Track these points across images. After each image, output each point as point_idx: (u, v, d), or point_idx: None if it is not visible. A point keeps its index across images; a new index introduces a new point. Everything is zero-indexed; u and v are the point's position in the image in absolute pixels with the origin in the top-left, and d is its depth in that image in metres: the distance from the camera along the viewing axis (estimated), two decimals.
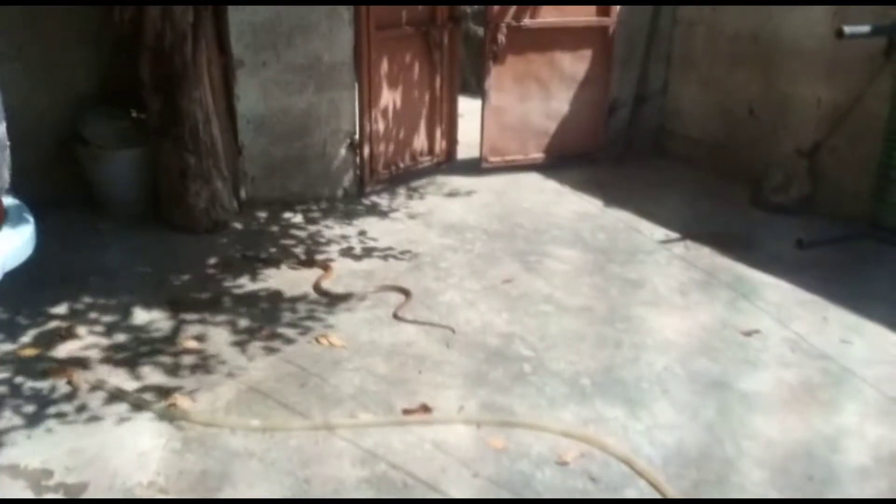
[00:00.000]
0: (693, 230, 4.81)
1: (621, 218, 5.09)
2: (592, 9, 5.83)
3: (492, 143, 5.87)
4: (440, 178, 5.77)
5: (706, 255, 4.51)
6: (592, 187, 5.57)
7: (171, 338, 3.51)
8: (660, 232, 4.85)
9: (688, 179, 5.80)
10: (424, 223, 4.95)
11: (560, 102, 6.00)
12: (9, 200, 1.90)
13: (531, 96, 5.91)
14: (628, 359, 3.44)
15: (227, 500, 2.56)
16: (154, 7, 4.32)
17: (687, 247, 4.62)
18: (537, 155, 6.04)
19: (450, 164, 6.00)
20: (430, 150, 5.93)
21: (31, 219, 1.88)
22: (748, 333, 3.66)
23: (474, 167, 5.87)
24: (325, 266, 4.18)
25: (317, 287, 3.97)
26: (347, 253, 4.44)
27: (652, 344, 3.56)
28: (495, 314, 3.80)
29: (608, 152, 6.14)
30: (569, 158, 6.03)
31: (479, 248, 4.57)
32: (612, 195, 5.41)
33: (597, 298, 3.99)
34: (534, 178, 5.84)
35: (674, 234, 4.80)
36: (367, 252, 4.46)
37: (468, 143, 6.01)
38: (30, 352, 3.33)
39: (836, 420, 3.05)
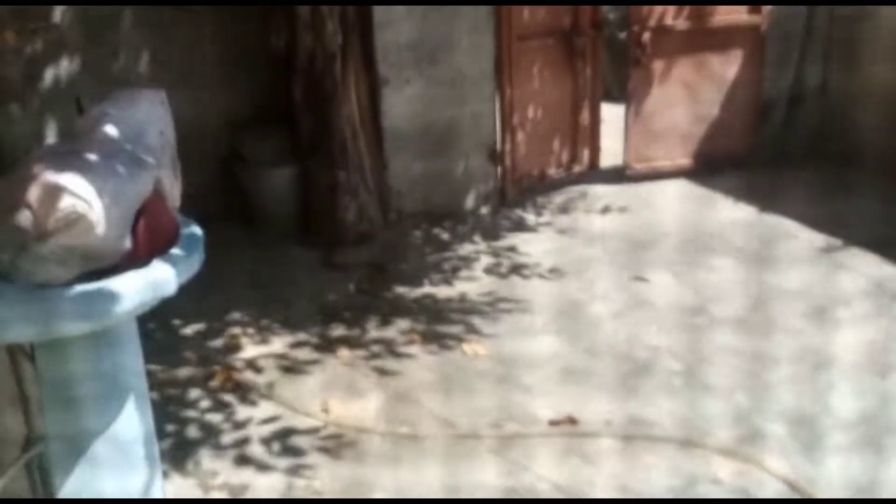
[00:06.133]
0: (858, 237, 4.51)
1: (778, 225, 4.86)
2: (742, 7, 5.61)
3: (636, 149, 5.76)
4: (583, 188, 5.72)
5: (873, 264, 4.22)
6: (745, 193, 5.35)
7: (325, 346, 3.68)
8: (820, 239, 4.58)
9: (850, 183, 5.45)
10: (568, 234, 4.93)
11: (709, 105, 5.81)
12: (181, 218, 2.05)
13: (677, 100, 5.76)
14: (788, 375, 3.28)
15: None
16: (306, 31, 4.55)
17: (852, 255, 4.35)
18: (685, 161, 5.87)
19: (593, 172, 5.94)
20: (573, 160, 5.90)
21: (200, 234, 2.02)
22: None
23: (618, 175, 5.79)
24: None
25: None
26: (493, 269, 4.47)
27: (814, 359, 3.37)
28: (643, 326, 3.72)
29: (762, 156, 5.88)
30: (719, 163, 5.82)
31: (624, 259, 4.50)
32: (768, 201, 5.17)
33: (752, 310, 3.82)
34: (682, 185, 5.68)
35: (836, 242, 4.52)
36: (511, 265, 4.48)
37: (612, 150, 5.94)
38: (205, 359, 3.59)
39: None
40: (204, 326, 3.87)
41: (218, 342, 3.73)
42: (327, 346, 3.68)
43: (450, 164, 5.21)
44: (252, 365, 3.52)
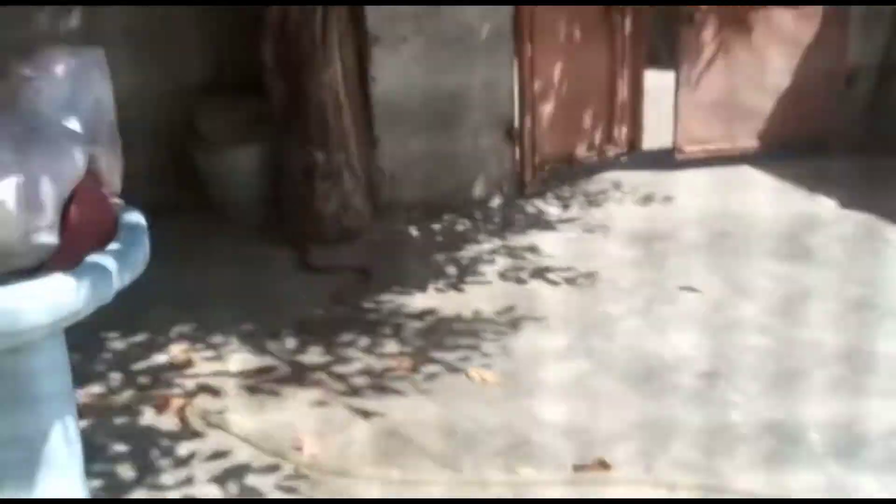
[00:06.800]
0: None
1: (863, 224, 4.86)
2: None
3: (688, 128, 5.77)
4: (621, 175, 5.74)
5: None
6: (824, 184, 5.35)
7: (299, 368, 3.68)
8: None
9: None
10: (601, 233, 4.95)
11: (779, 74, 5.81)
12: (121, 207, 2.06)
13: (740, 67, 5.76)
14: (874, 410, 3.27)
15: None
16: None
17: None
18: (749, 142, 5.88)
19: (634, 156, 5.97)
20: (609, 140, 5.92)
21: (144, 227, 2.02)
22: None
23: (665, 160, 5.80)
24: None
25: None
26: (506, 275, 4.48)
27: None
28: (693, 347, 3.72)
29: (845, 138, 5.88)
30: (791, 146, 5.82)
31: (672, 264, 4.51)
32: (851, 194, 5.16)
33: (830, 330, 3.81)
34: (744, 173, 5.69)
35: None
36: (528, 271, 4.49)
37: (657, 129, 5.95)
38: (142, 381, 3.60)
39: None
40: (147, 339, 3.89)
41: (162, 359, 3.75)
42: (300, 367, 3.68)
43: (455, 144, 5.22)
44: (205, 388, 3.52)
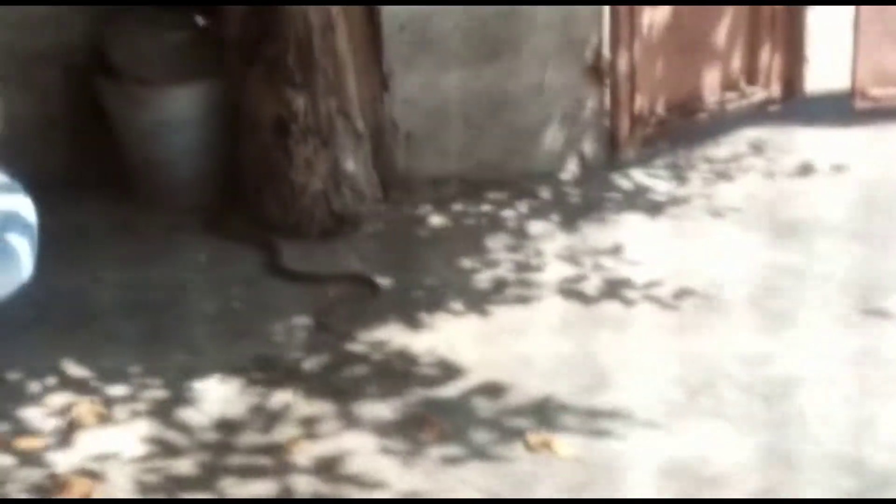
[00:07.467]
0: None
1: None
2: None
3: (875, 63, 5.83)
4: (768, 133, 5.79)
5: None
6: None
7: (263, 434, 3.61)
8: None
9: None
10: (737, 221, 4.97)
11: None
12: None
13: None
14: None
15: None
16: None
17: None
18: None
19: (791, 103, 6.03)
20: (751, 80, 6.02)
21: (29, 211, 2.13)
22: None
23: (839, 110, 5.90)
24: None
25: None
26: (572, 291, 4.43)
27: None
28: (881, 404, 3.65)
29: None
30: None
31: (845, 270, 4.47)
32: None
33: None
34: None
35: None
36: (618, 284, 4.45)
37: (827, 63, 6.06)
38: (26, 444, 3.51)
39: None
40: (17, 382, 3.85)
41: (34, 414, 3.69)
42: (268, 432, 3.61)
43: (509, 85, 5.19)
44: (86, 471, 3.41)
